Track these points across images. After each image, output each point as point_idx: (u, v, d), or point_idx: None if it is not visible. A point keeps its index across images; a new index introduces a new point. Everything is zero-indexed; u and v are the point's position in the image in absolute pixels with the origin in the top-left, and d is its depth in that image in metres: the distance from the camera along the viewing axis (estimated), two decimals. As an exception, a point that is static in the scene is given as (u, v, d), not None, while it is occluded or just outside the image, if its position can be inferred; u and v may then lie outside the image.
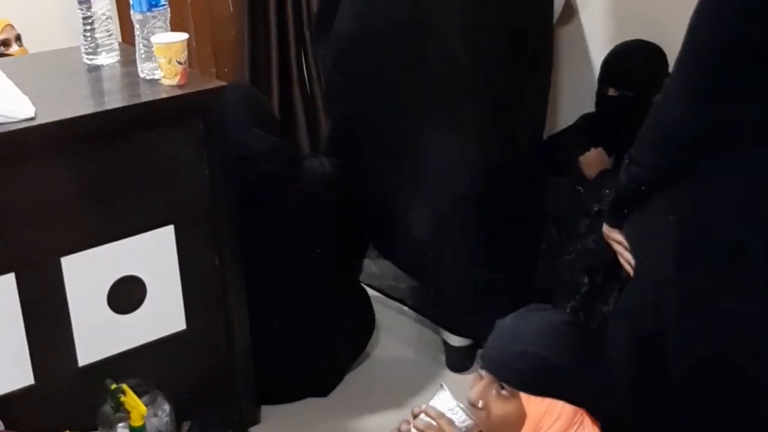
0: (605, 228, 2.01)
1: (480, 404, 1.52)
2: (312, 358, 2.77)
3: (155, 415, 2.38)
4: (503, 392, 1.50)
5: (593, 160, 2.80)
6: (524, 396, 1.49)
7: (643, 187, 1.84)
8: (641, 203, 1.87)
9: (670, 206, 1.78)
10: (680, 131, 1.71)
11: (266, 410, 2.74)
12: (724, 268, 1.71)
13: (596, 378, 1.52)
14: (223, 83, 2.37)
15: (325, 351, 2.79)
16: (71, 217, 2.25)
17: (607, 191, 2.58)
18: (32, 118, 2.12)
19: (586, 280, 2.66)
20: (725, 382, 1.76)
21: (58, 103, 2.25)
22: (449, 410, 1.49)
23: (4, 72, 2.34)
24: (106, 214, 2.30)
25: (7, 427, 2.25)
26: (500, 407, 1.51)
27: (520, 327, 1.55)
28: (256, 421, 2.69)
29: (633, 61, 2.76)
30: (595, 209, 2.65)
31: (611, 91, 2.76)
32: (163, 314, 2.46)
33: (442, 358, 2.94)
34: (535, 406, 1.49)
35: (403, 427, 1.51)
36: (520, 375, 1.49)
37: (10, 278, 2.19)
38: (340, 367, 2.88)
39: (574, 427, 1.50)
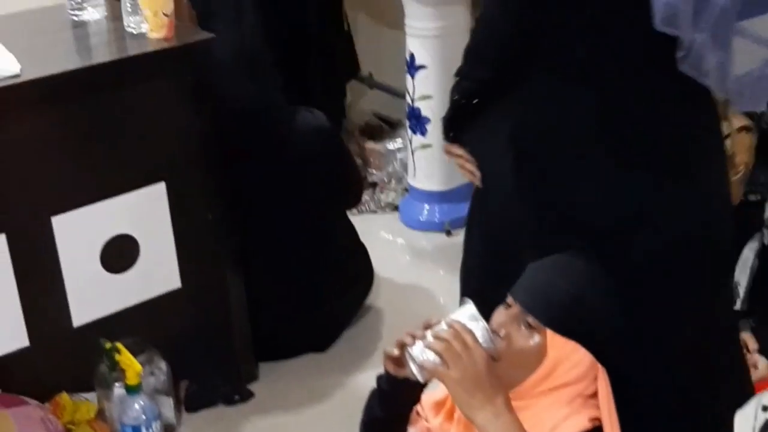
0: (444, 144, 2.05)
1: (502, 333, 1.46)
2: (310, 313, 2.75)
3: (152, 373, 2.37)
4: (530, 326, 1.46)
5: None
6: (549, 335, 1.45)
7: (474, 101, 1.89)
8: (479, 116, 1.91)
9: (504, 115, 1.81)
10: (498, 38, 1.76)
11: (265, 367, 2.72)
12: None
13: (625, 337, 1.48)
14: (212, 35, 2.31)
15: (323, 306, 2.77)
16: (61, 176, 2.22)
17: None
18: (17, 75, 2.07)
19: None
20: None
21: (43, 59, 2.21)
22: (473, 327, 1.41)
23: (-13, 30, 2.30)
24: (97, 172, 2.27)
25: (3, 389, 2.24)
26: (522, 340, 1.45)
27: (561, 267, 1.52)
28: (254, 377, 2.68)
29: None
30: None
31: None
32: (158, 272, 2.43)
33: (444, 311, 2.92)
34: (558, 347, 1.44)
35: (407, 339, 1.44)
36: (552, 311, 1.45)
37: (1, 239, 2.16)
38: (338, 322, 2.86)
39: (587, 381, 1.47)
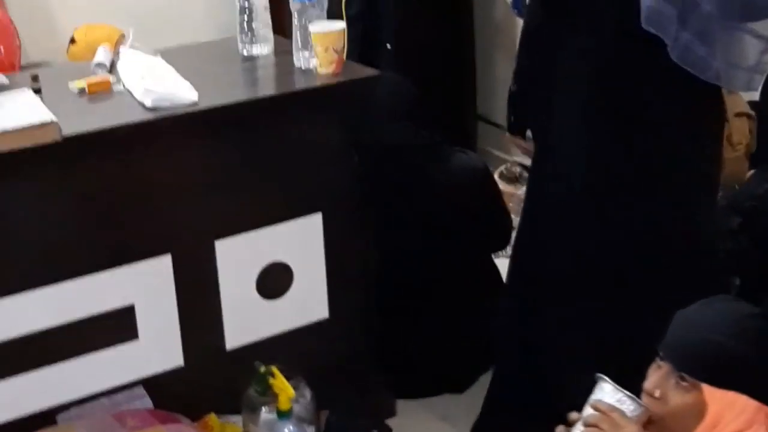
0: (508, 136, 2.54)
1: (657, 393, 1.45)
2: (450, 353, 2.75)
3: (297, 401, 2.40)
4: (683, 383, 1.44)
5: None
6: (705, 388, 1.43)
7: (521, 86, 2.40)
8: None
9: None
10: (524, 27, 2.37)
11: (402, 404, 2.73)
12: None
13: None
14: (377, 72, 2.37)
15: (464, 347, 2.77)
16: (225, 201, 2.29)
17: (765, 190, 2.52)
18: (195, 103, 2.16)
19: (738, 281, 2.57)
20: None
21: (217, 90, 2.29)
22: (616, 401, 1.43)
23: (165, 60, 2.40)
24: (259, 199, 2.34)
25: (156, 405, 2.30)
26: (679, 398, 1.45)
27: (703, 316, 1.50)
28: (392, 413, 2.69)
29: None
30: (748, 204, 2.55)
31: None
32: (308, 301, 2.48)
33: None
34: (717, 398, 1.42)
35: None
36: (701, 364, 1.44)
37: (167, 259, 2.24)
38: (478, 363, 2.85)
39: (756, 425, 1.43)
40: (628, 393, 1.44)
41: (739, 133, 2.36)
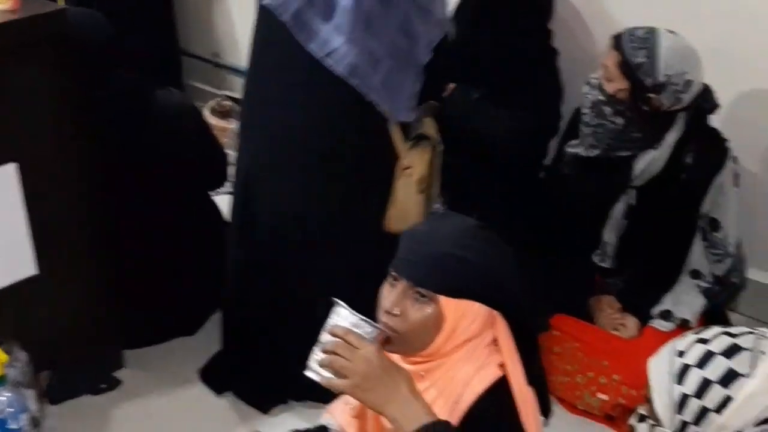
0: None
1: (396, 311, 1.47)
2: (177, 297, 2.67)
3: (11, 365, 2.24)
4: (421, 298, 1.47)
5: None
6: (441, 300, 1.46)
7: None
8: None
9: None
10: None
11: (132, 354, 2.64)
12: None
13: (509, 280, 1.51)
14: (64, 6, 2.20)
15: (191, 289, 2.70)
16: None
17: None
18: None
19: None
20: None
21: None
22: (352, 324, 1.43)
23: None
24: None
25: None
26: (419, 312, 1.46)
27: (435, 231, 1.51)
28: (120, 365, 2.59)
29: None
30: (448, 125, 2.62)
31: None
32: (11, 259, 2.30)
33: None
34: (452, 309, 1.46)
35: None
36: (441, 278, 1.46)
37: None
38: (205, 304, 2.80)
39: (488, 329, 1.50)
40: (362, 317, 1.44)
41: (407, 157, 2.24)
